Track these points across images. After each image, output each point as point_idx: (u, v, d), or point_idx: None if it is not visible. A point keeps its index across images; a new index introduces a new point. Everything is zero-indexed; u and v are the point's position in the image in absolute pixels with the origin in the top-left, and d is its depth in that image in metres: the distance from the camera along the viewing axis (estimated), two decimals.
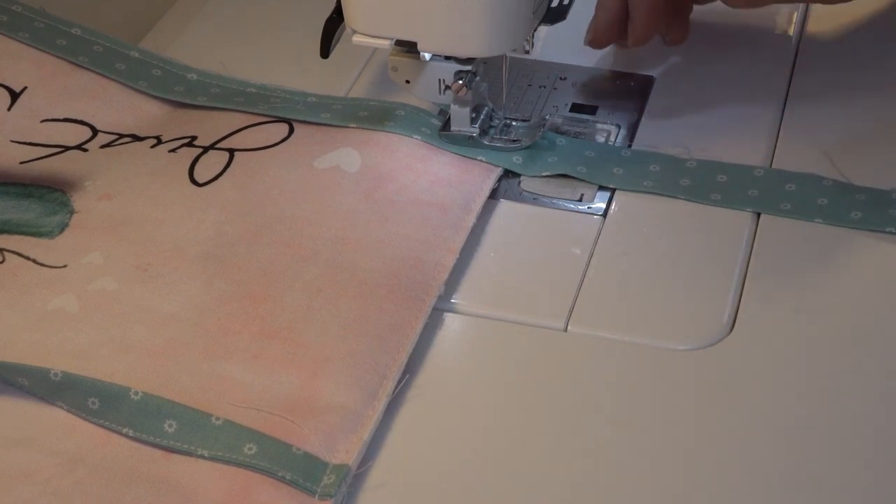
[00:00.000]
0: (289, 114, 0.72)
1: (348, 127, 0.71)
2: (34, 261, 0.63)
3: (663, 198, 0.69)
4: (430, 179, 0.69)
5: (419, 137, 0.71)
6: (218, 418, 0.55)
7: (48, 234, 0.65)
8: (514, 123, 0.73)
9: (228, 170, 0.68)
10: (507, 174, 0.71)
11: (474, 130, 0.72)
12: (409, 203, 0.67)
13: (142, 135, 0.72)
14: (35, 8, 0.79)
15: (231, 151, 0.69)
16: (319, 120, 0.72)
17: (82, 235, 0.65)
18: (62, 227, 0.65)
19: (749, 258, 0.66)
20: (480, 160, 0.71)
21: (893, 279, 0.65)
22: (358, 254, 0.64)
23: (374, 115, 0.72)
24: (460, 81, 0.69)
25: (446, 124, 0.72)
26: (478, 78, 0.70)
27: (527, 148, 0.71)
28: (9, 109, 0.73)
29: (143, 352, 0.59)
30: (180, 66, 0.76)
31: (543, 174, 0.70)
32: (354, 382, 0.57)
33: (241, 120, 0.72)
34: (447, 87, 0.71)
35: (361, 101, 0.74)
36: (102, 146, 0.71)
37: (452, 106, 0.71)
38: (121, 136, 0.72)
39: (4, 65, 0.75)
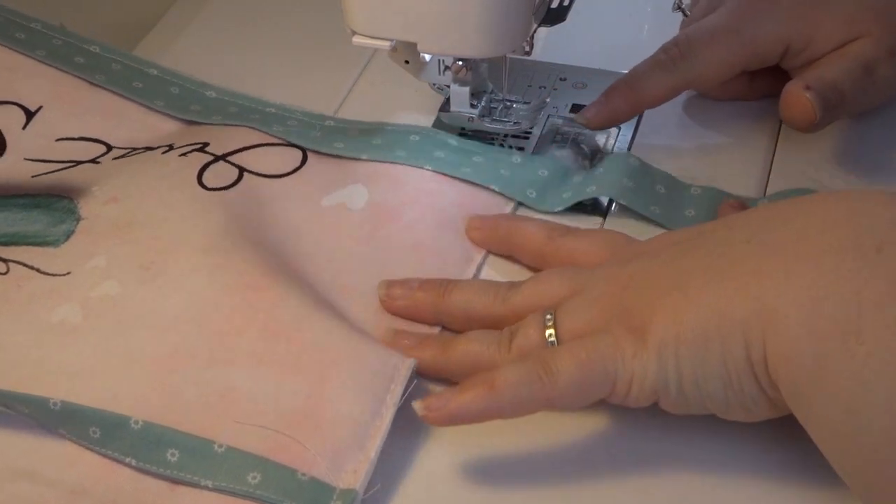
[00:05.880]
0: (303, 141, 0.70)
1: (360, 159, 0.70)
2: (37, 270, 0.63)
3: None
4: (435, 220, 0.67)
5: (430, 167, 0.69)
6: (220, 445, 0.54)
7: (53, 244, 0.64)
8: (514, 105, 0.73)
9: (236, 187, 0.67)
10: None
11: (474, 112, 0.72)
12: (410, 248, 0.66)
13: (155, 146, 0.71)
14: (54, 25, 0.78)
15: (241, 170, 0.68)
16: (332, 150, 0.70)
17: (87, 241, 0.64)
18: (68, 235, 0.64)
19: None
20: (492, 189, 0.69)
21: None
22: (353, 300, 0.63)
23: (387, 142, 0.71)
24: (460, 62, 0.69)
25: (446, 104, 0.72)
26: (478, 59, 0.70)
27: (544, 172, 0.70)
28: (23, 128, 0.72)
29: (148, 363, 0.58)
30: (198, 83, 0.76)
31: (556, 209, 0.68)
32: (362, 388, 0.57)
33: (254, 136, 0.70)
34: (447, 68, 0.71)
35: (376, 127, 0.72)
36: (115, 158, 0.70)
37: (452, 86, 0.71)
38: (134, 149, 0.71)
39: (20, 83, 0.75)
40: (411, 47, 0.68)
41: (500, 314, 0.60)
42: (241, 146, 0.69)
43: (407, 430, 0.57)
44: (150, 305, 0.60)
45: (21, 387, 0.57)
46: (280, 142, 0.70)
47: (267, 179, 0.68)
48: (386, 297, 0.63)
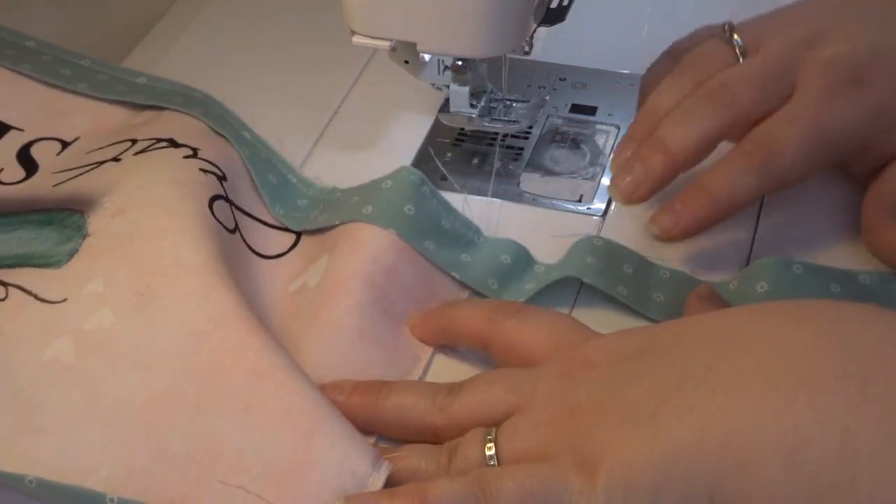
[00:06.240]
0: (298, 224, 0.68)
1: (334, 225, 0.66)
2: (35, 296, 0.62)
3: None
4: (384, 308, 0.63)
5: (395, 230, 0.64)
6: None
7: (56, 264, 0.63)
8: (514, 104, 0.73)
9: (230, 238, 0.65)
10: (503, 174, 0.72)
11: (473, 112, 0.71)
12: (356, 334, 0.61)
13: (179, 141, 0.69)
14: (104, 62, 0.78)
15: (237, 227, 0.67)
16: (317, 225, 0.67)
17: (87, 261, 0.63)
18: (71, 255, 0.63)
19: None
20: (454, 276, 0.65)
21: None
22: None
23: (362, 197, 0.67)
24: (459, 62, 0.69)
25: (445, 104, 0.72)
26: (477, 59, 0.70)
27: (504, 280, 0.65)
28: (58, 154, 0.72)
29: (137, 411, 0.57)
30: (239, 121, 0.73)
31: (520, 300, 0.64)
32: (353, 449, 0.54)
33: (258, 207, 0.68)
34: (446, 68, 0.71)
35: (361, 186, 0.68)
36: (137, 153, 0.69)
37: (452, 86, 0.71)
38: (158, 140, 0.70)
39: (60, 122, 0.74)
40: (411, 47, 0.68)
41: (438, 425, 0.56)
42: (245, 208, 0.68)
43: None
44: (142, 338, 0.59)
45: (18, 434, 0.57)
46: (277, 225, 0.69)
47: (250, 253, 0.67)
48: None
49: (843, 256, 0.66)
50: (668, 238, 0.65)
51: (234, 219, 0.67)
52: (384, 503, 0.51)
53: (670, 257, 0.67)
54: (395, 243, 0.64)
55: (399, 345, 0.63)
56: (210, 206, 0.65)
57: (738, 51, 0.67)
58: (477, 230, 0.67)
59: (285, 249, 0.68)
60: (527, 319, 0.59)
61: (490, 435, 0.53)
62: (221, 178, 0.67)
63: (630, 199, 0.65)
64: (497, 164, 0.72)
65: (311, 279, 0.65)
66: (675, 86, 0.67)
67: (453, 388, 0.57)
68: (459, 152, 0.74)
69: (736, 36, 0.67)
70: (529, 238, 0.68)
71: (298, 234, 0.68)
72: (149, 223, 0.63)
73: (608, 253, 0.65)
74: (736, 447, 0.47)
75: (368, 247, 0.64)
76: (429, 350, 0.63)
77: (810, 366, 0.47)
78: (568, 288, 0.65)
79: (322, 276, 0.64)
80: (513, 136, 0.74)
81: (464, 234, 0.67)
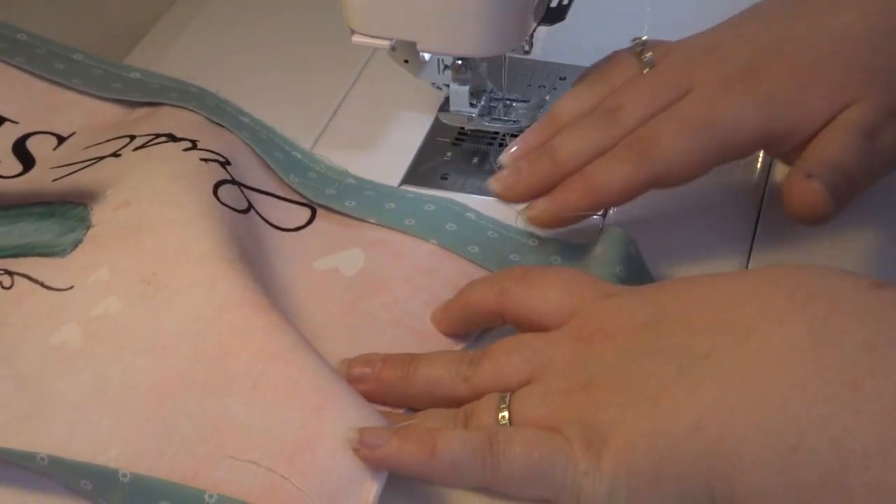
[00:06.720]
0: (316, 197, 0.69)
1: (367, 222, 0.68)
2: (41, 283, 0.62)
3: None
4: (425, 300, 0.64)
5: (436, 241, 0.66)
6: (211, 496, 0.53)
7: (60, 254, 0.63)
8: (514, 104, 0.73)
9: (242, 218, 0.66)
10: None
11: (473, 111, 0.71)
12: (390, 324, 0.63)
13: (178, 135, 0.69)
14: (96, 56, 0.78)
15: (250, 206, 0.67)
16: (343, 209, 0.68)
17: (93, 250, 0.63)
18: (75, 244, 0.63)
19: (749, 254, 0.67)
20: None
21: None
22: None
23: (400, 207, 0.68)
24: (459, 61, 0.69)
25: (445, 104, 0.72)
26: (477, 58, 0.70)
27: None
28: (54, 149, 0.72)
29: (145, 394, 0.57)
30: (236, 108, 0.74)
31: None
32: (363, 422, 0.54)
33: (271, 182, 0.69)
34: (446, 67, 0.71)
35: (394, 191, 0.70)
36: (136, 148, 0.69)
37: (452, 85, 0.71)
38: (157, 135, 0.70)
39: (55, 116, 0.75)
40: (411, 46, 0.68)
41: (464, 395, 0.57)
42: (256, 186, 0.68)
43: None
44: (149, 325, 0.59)
45: (25, 418, 0.57)
46: (293, 198, 0.69)
47: (269, 227, 0.67)
48: (347, 378, 0.58)
49: (841, 258, 0.67)
50: (538, 223, 0.64)
51: (246, 198, 0.67)
52: (395, 443, 0.52)
53: (671, 260, 0.67)
54: (435, 252, 0.66)
55: (435, 335, 0.63)
56: (215, 192, 0.65)
57: (644, 65, 0.67)
58: (531, 236, 0.67)
59: (303, 223, 0.68)
60: (532, 284, 0.59)
61: (504, 402, 0.54)
62: (225, 164, 0.68)
63: (507, 191, 0.66)
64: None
65: (344, 267, 0.66)
66: (579, 95, 0.68)
67: (475, 357, 0.58)
68: (459, 152, 0.74)
69: (647, 53, 0.68)
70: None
71: (313, 210, 0.69)
72: (153, 216, 0.63)
73: (633, 267, 0.64)
74: (731, 443, 0.48)
75: (410, 256, 0.66)
76: (461, 344, 0.63)
77: (805, 365, 0.48)
78: None
79: (359, 271, 0.65)
80: (512, 136, 0.74)
81: (515, 240, 0.67)
